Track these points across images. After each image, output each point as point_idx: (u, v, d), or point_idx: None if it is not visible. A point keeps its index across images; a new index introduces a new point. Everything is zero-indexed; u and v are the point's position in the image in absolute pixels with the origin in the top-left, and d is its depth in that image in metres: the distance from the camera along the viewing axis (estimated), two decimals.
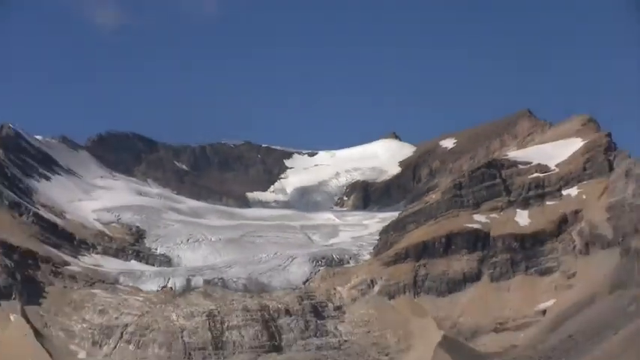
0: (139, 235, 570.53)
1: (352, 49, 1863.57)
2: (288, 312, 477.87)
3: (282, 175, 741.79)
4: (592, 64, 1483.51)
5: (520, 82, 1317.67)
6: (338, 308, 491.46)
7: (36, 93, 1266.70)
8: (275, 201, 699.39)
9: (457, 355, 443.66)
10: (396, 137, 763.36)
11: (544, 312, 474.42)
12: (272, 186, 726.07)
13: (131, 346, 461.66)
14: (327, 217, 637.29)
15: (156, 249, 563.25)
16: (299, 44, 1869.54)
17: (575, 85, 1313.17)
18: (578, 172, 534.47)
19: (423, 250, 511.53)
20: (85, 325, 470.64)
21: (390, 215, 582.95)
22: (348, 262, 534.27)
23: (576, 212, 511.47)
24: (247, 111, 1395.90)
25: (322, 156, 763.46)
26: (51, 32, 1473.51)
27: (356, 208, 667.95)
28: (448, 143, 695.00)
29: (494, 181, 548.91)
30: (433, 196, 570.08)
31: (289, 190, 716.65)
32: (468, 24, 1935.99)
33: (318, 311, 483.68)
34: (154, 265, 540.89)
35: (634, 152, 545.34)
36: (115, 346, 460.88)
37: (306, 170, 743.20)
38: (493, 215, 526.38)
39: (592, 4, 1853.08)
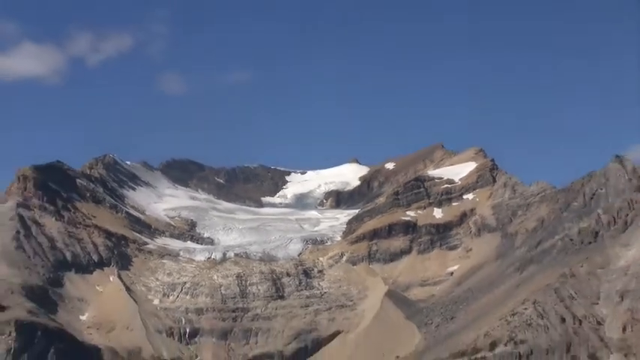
0: (192, 225, 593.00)
1: (326, 101, 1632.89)
2: (288, 274, 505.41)
3: (284, 187, 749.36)
4: (482, 110, 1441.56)
5: (436, 125, 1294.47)
6: (320, 272, 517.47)
7: (126, 134, 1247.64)
8: (280, 203, 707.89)
9: (396, 301, 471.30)
10: (357, 161, 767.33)
11: (452, 273, 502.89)
12: (278, 193, 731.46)
13: (187, 297, 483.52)
14: (313, 214, 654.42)
15: (203, 234, 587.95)
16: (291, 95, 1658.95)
17: (471, 125, 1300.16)
18: (472, 183, 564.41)
19: (374, 234, 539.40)
20: (157, 283, 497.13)
21: (353, 212, 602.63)
22: (327, 242, 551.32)
23: (472, 209, 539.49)
24: (261, 144, 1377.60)
25: (309, 174, 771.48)
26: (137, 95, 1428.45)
27: (331, 207, 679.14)
28: (390, 165, 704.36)
29: (419, 189, 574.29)
30: (380, 200, 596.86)
31: (289, 196, 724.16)
32: (391, 79, 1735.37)
33: (307, 273, 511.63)
34: (202, 244, 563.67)
35: (509, 170, 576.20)
36: (177, 296, 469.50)
37: (300, 183, 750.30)
38: (419, 211, 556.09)
39: (498, 52, 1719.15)
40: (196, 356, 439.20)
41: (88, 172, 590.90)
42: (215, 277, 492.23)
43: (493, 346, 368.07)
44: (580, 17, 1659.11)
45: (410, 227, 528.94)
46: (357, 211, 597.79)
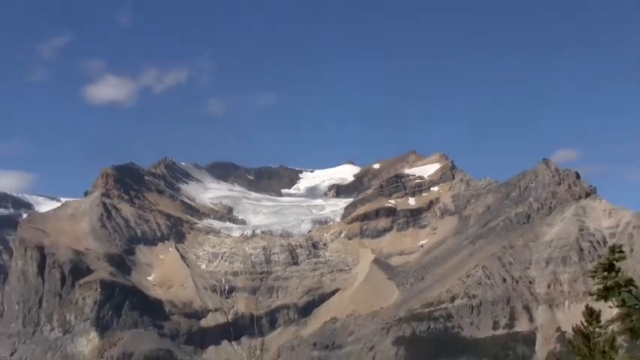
0: (230, 210, 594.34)
1: (331, 120, 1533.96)
2: (301, 246, 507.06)
3: (298, 181, 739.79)
4: (446, 121, 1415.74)
5: (411, 134, 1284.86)
6: (324, 244, 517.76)
7: (181, 142, 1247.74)
8: (294, 193, 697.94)
9: (381, 266, 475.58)
10: (352, 163, 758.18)
11: (422, 246, 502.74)
12: (293, 186, 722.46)
13: (226, 263, 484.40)
14: (319, 201, 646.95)
15: (238, 216, 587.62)
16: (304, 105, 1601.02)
17: (436, 135, 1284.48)
18: (437, 179, 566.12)
19: (364, 217, 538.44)
20: (204, 252, 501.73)
21: (349, 200, 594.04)
22: (329, 222, 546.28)
23: (437, 198, 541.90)
24: (280, 150, 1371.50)
25: (317, 172, 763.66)
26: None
27: (333, 197, 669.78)
28: (376, 166, 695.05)
29: (398, 184, 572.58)
30: (369, 191, 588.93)
31: (301, 188, 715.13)
32: (376, 102, 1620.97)
33: (315, 245, 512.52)
34: (236, 224, 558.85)
35: (464, 169, 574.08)
36: (219, 262, 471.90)
37: (309, 179, 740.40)
38: (398, 200, 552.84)
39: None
40: (233, 307, 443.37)
41: (153, 170, 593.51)
42: (246, 248, 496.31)
43: (453, 299, 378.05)
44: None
45: (391, 211, 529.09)
46: (351, 199, 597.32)
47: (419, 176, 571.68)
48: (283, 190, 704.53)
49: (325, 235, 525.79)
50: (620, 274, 26.79)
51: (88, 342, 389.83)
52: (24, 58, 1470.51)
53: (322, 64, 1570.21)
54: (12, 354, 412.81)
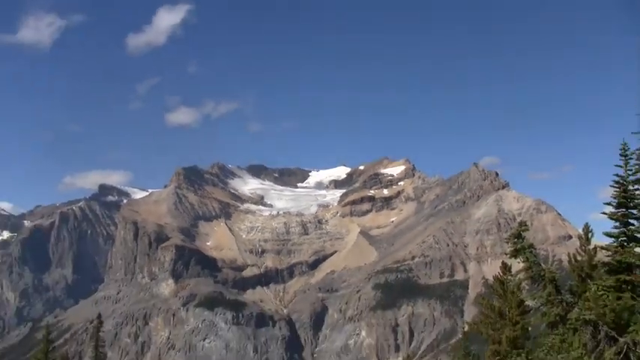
0: (261, 197, 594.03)
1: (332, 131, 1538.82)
2: (310, 222, 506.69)
3: (309, 177, 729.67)
4: (409, 132, 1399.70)
5: (385, 144, 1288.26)
6: (326, 221, 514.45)
7: (228, 153, 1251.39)
8: (306, 186, 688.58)
9: (365, 236, 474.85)
10: (345, 165, 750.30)
11: (392, 222, 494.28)
12: (305, 181, 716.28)
13: (259, 233, 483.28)
14: (323, 192, 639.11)
15: (267, 202, 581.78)
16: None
17: (402, 144, 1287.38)
18: (403, 176, 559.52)
19: (353, 202, 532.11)
20: (244, 226, 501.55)
21: (343, 191, 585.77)
22: (330, 206, 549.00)
23: (402, 190, 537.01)
24: (298, 154, 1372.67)
25: (321, 171, 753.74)
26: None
27: (333, 189, 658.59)
28: (362, 167, 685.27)
29: (376, 179, 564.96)
30: (356, 185, 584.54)
31: (311, 182, 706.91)
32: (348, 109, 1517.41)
33: (320, 221, 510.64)
34: (266, 207, 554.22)
35: (421, 169, 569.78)
36: (254, 233, 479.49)
37: (315, 176, 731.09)
38: (376, 191, 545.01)
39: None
40: (263, 263, 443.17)
41: (210, 170, 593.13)
42: (273, 223, 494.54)
43: (413, 258, 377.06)
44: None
45: (371, 199, 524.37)
46: (344, 190, 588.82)
47: (390, 174, 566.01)
48: (298, 184, 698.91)
49: (327, 214, 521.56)
50: (524, 240, 27.16)
51: (166, 286, 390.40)
52: (126, 93, 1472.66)
53: (326, 96, 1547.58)
54: (118, 293, 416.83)
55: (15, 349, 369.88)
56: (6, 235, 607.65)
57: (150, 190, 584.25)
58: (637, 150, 24.31)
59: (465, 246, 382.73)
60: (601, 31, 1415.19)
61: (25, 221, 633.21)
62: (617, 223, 24.79)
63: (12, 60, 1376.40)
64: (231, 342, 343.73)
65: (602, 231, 25.70)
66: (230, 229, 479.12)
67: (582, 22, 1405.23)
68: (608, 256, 24.99)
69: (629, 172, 24.49)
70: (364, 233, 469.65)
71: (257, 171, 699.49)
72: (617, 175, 24.81)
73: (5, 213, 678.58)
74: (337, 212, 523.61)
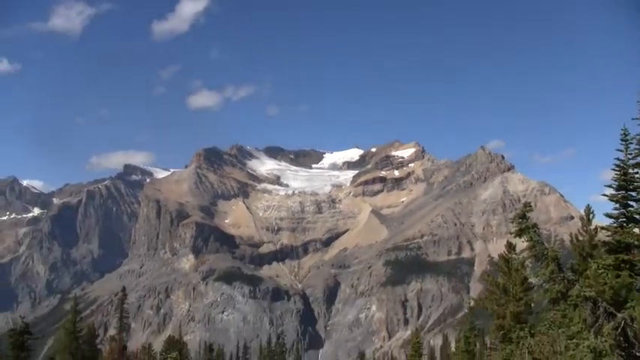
0: (278, 177, 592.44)
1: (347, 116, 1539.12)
2: (324, 201, 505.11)
3: (323, 158, 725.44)
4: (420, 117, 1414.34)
5: (396, 128, 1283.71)
6: (339, 200, 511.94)
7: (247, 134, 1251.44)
8: (321, 167, 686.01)
9: (376, 215, 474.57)
10: (358, 147, 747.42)
11: (403, 201, 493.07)
12: (320, 162, 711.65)
13: (275, 212, 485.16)
14: (336, 172, 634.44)
15: (283, 181, 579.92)
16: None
17: (413, 128, 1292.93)
18: (413, 159, 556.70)
19: (365, 182, 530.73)
20: (261, 205, 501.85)
21: (356, 172, 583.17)
22: (343, 186, 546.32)
23: (413, 171, 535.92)
24: (313, 136, 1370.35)
25: (335, 153, 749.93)
26: None
27: (346, 169, 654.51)
28: (374, 149, 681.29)
29: (387, 161, 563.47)
30: (369, 166, 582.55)
31: (325, 163, 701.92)
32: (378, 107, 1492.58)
33: (333, 201, 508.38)
34: (282, 187, 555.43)
35: (430, 152, 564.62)
36: (271, 211, 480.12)
37: (329, 158, 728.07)
38: (387, 172, 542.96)
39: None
40: (279, 240, 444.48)
41: (229, 151, 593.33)
42: (289, 202, 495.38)
43: (422, 236, 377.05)
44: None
45: (383, 179, 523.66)
46: (357, 171, 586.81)
47: (401, 156, 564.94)
48: (313, 165, 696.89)
49: (340, 194, 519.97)
50: (528, 220, 27.21)
51: (187, 261, 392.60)
52: (150, 78, 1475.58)
53: (340, 79, 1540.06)
54: (141, 267, 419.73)
55: (45, 319, 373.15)
56: (37, 211, 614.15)
57: (172, 170, 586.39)
58: (637, 135, 24.40)
59: (472, 225, 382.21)
60: (605, 15, 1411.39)
61: (55, 199, 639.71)
62: (617, 205, 24.90)
63: (44, 47, 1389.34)
64: (248, 315, 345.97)
65: (603, 212, 25.80)
66: (248, 208, 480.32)
67: (586, 6, 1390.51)
68: (608, 236, 25.10)
69: (629, 156, 24.59)
70: (375, 212, 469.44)
71: (274, 152, 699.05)
72: (617, 159, 24.85)
73: (36, 191, 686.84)
74: (350, 192, 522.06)
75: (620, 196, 24.77)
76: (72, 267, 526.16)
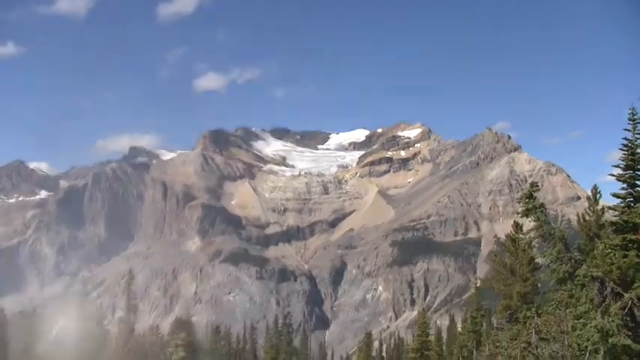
0: (284, 158, 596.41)
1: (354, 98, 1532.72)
2: (330, 182, 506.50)
3: (329, 141, 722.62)
4: (427, 98, 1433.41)
5: (402, 109, 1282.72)
6: (346, 181, 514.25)
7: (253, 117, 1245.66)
8: (327, 148, 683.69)
9: (382, 195, 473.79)
10: (364, 128, 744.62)
11: (409, 182, 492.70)
12: (326, 143, 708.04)
13: (282, 192, 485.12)
14: (343, 153, 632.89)
15: (289, 162, 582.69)
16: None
17: (419, 110, 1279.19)
18: (419, 139, 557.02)
19: (372, 163, 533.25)
20: (267, 186, 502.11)
21: (362, 152, 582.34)
22: (349, 167, 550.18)
23: (419, 151, 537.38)
24: (320, 117, 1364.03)
25: (341, 134, 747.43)
26: None
27: (352, 150, 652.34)
28: (380, 130, 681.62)
29: (394, 141, 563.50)
30: (375, 147, 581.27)
31: (332, 144, 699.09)
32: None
33: (339, 182, 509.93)
34: (288, 167, 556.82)
35: (437, 132, 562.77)
36: (277, 192, 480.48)
37: (335, 139, 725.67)
38: (393, 152, 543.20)
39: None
40: (285, 221, 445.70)
41: (235, 133, 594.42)
42: (295, 183, 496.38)
43: (428, 216, 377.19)
44: None
45: (389, 160, 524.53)
46: (363, 152, 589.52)
47: (407, 137, 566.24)
48: (319, 146, 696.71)
49: (346, 175, 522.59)
50: (535, 200, 27.14)
51: (193, 243, 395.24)
52: (156, 60, 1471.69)
53: (347, 67, 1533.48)
54: (147, 249, 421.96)
55: (53, 301, 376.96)
56: (44, 194, 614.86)
57: (178, 152, 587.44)
58: None
59: (479, 206, 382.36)
60: None
61: (61, 181, 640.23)
62: (625, 185, 24.71)
63: (49, 30, 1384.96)
64: (254, 296, 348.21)
65: (610, 192, 25.51)
66: (254, 189, 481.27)
67: None
68: (615, 216, 24.89)
69: (638, 136, 24.33)
70: (382, 193, 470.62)
71: (280, 133, 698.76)
72: (625, 138, 24.59)
73: (43, 173, 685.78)
74: (356, 173, 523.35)
75: (627, 175, 24.49)
76: (79, 249, 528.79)
